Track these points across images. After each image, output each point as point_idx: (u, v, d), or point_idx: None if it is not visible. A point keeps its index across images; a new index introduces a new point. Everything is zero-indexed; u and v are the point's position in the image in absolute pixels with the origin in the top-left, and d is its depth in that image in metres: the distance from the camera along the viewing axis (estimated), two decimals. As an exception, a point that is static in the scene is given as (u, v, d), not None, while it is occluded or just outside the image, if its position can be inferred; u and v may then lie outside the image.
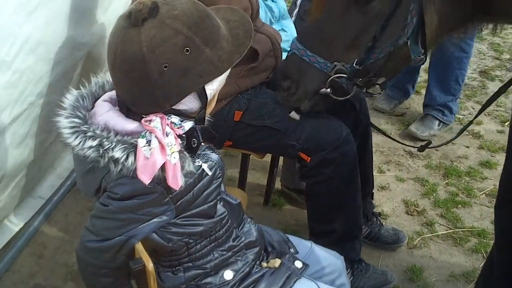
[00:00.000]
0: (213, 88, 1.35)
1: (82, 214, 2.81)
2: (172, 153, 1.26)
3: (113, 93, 1.43)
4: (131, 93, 1.32)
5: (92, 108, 1.39)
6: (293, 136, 2.18)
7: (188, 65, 1.26)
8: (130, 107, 1.34)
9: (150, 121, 1.29)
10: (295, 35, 2.81)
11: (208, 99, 1.36)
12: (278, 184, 3.11)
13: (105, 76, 1.48)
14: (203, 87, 1.32)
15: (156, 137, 1.26)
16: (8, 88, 1.64)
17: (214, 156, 1.47)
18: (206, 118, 1.41)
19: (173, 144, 1.27)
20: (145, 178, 1.24)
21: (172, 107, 1.32)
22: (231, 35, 1.34)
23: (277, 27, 2.67)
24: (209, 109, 1.43)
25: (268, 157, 2.72)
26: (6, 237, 2.40)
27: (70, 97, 1.38)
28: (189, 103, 1.34)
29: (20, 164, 1.98)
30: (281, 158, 2.95)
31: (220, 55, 1.29)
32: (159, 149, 1.25)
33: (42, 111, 1.95)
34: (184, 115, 1.34)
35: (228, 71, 1.38)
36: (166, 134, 1.27)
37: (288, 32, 2.76)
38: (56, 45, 1.86)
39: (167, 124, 1.29)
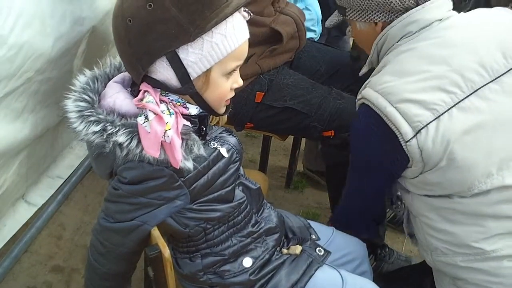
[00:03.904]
0: (190, 59, 1.21)
1: (102, 194, 2.79)
2: (166, 131, 1.20)
3: (126, 74, 1.37)
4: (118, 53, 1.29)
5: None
6: (315, 117, 2.13)
7: (151, 21, 1.17)
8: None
9: (141, 99, 1.23)
10: (319, 14, 2.75)
11: (193, 76, 1.23)
12: (300, 166, 3.05)
13: None
14: (175, 53, 1.21)
15: (150, 110, 1.21)
16: (4, 63, 1.58)
17: (231, 139, 1.41)
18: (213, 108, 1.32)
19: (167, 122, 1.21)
20: (153, 152, 1.19)
21: (150, 76, 1.24)
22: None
23: (300, 6, 2.61)
24: (212, 95, 1.29)
25: (290, 139, 2.67)
26: (24, 217, 2.37)
27: (81, 79, 1.32)
28: (164, 70, 1.23)
29: (21, 140, 1.92)
30: (303, 140, 2.89)
31: (193, 20, 1.17)
32: (156, 119, 1.20)
33: (42, 87, 1.89)
34: (170, 90, 1.25)
35: (226, 55, 1.23)
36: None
37: (312, 11, 2.70)
38: (53, 19, 1.79)
39: (166, 102, 1.24)
